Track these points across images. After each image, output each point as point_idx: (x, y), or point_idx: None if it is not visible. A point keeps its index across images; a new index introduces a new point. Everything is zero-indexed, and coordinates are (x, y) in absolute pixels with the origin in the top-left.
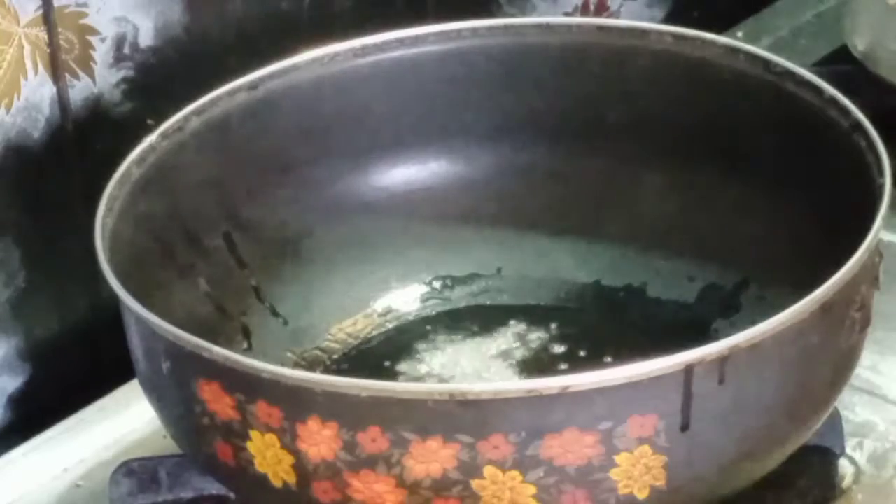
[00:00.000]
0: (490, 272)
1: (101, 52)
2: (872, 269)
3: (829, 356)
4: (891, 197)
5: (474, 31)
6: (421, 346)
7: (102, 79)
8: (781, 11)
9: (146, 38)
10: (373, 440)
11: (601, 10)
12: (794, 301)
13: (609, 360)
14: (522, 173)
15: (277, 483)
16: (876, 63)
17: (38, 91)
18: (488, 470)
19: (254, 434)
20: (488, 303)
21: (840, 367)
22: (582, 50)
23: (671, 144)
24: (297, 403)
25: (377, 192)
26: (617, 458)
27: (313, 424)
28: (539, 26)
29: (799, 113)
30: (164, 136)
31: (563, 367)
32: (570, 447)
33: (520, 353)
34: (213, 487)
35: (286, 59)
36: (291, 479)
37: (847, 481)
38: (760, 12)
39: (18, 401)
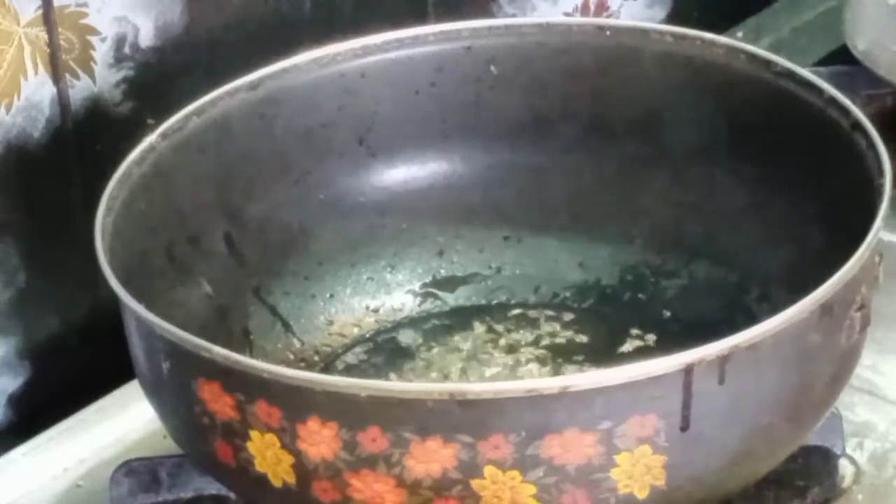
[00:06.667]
0: (490, 272)
1: (101, 52)
2: (872, 269)
3: (829, 356)
4: (891, 197)
5: (474, 31)
6: (421, 345)
7: (102, 79)
8: (781, 11)
9: (146, 38)
10: (373, 440)
11: (601, 10)
12: (794, 301)
13: (609, 360)
14: (522, 173)
15: (277, 483)
16: (876, 63)
17: (38, 91)
18: (488, 470)
19: (254, 434)
20: (488, 302)
21: (840, 367)
22: (582, 50)
23: (671, 144)
24: (297, 403)
25: (377, 192)
26: (617, 458)
27: (313, 424)
28: (539, 26)
29: (799, 113)
30: (164, 136)
31: (564, 366)
32: (570, 447)
33: (520, 353)
34: (213, 487)
35: (286, 59)
36: (291, 479)
37: (847, 481)
38: (760, 12)
39: (18, 401)
